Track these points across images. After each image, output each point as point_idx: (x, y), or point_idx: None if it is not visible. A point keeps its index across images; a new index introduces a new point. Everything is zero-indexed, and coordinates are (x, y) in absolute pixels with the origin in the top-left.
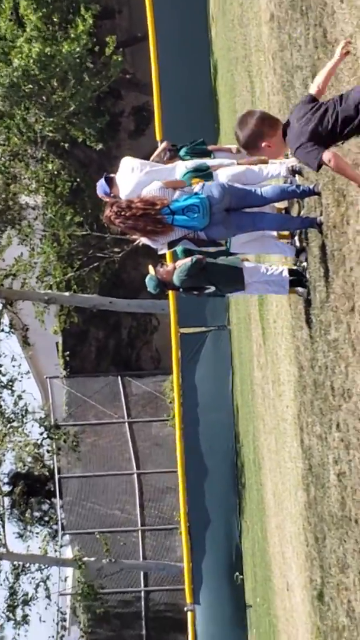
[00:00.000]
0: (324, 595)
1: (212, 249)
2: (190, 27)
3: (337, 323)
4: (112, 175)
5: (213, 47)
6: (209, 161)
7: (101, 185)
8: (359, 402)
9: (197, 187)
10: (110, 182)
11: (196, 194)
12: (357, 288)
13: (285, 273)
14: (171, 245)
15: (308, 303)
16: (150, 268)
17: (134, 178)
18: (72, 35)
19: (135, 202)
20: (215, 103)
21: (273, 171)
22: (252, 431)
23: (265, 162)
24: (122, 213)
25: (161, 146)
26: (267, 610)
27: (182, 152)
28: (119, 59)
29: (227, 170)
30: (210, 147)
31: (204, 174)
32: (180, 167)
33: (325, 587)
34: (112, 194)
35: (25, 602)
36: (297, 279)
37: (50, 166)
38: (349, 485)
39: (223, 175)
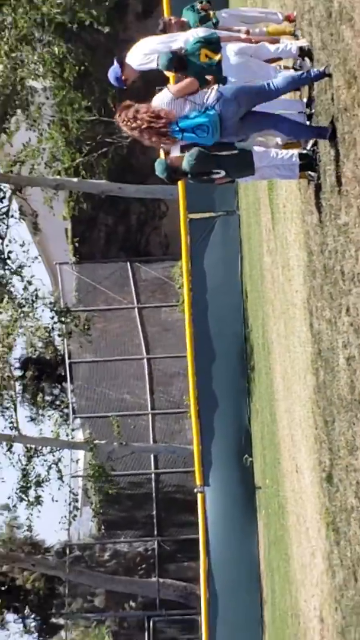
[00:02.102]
0: (333, 477)
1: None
2: None
3: (348, 207)
4: (124, 60)
5: None
6: (219, 32)
7: (113, 70)
8: None
9: (211, 98)
10: (122, 66)
11: (207, 109)
12: None
13: (296, 157)
14: (183, 149)
15: (318, 187)
16: (161, 152)
17: (148, 45)
18: None
19: (141, 113)
20: None
21: (284, 48)
22: (262, 316)
23: (276, 42)
24: (128, 123)
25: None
26: (276, 491)
27: (190, 20)
28: None
29: (237, 45)
30: (221, 35)
31: (213, 47)
32: (190, 35)
33: (334, 469)
34: (123, 77)
35: (38, 484)
36: (307, 163)
37: (57, 50)
38: (358, 369)
39: (232, 50)
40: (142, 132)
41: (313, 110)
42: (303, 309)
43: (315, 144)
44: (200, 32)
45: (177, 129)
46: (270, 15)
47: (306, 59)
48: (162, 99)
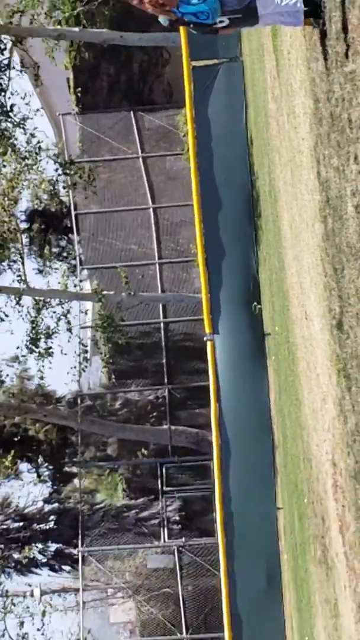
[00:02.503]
0: (343, 324)
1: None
2: None
3: (354, 55)
4: None
5: None
6: None
7: None
8: None
9: None
10: None
11: None
12: None
13: (300, 3)
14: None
15: (323, 34)
16: None
17: None
18: None
19: None
20: None
21: None
22: (268, 164)
23: None
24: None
25: None
26: (285, 338)
27: None
28: None
29: None
30: None
31: None
32: None
33: (344, 316)
34: None
35: (48, 336)
36: (312, 9)
37: None
38: None
39: None
40: (142, 6)
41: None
42: (310, 157)
43: None
44: None
45: (180, 14)
46: None
47: None
48: None
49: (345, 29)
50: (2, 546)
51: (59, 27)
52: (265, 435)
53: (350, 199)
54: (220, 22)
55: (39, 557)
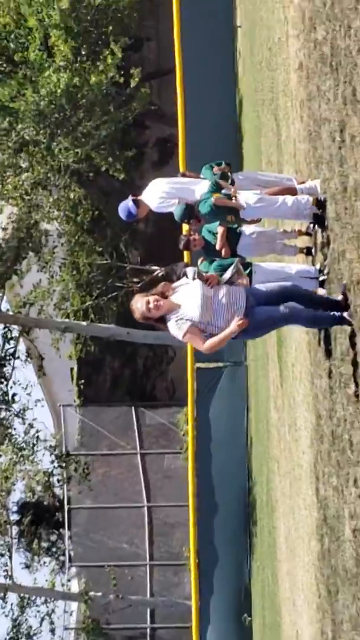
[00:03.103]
0: None
1: None
2: (217, 62)
3: (359, 378)
4: (139, 197)
5: (239, 84)
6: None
7: (126, 206)
8: None
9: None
10: (137, 203)
11: None
12: None
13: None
14: None
15: (328, 353)
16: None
17: (161, 188)
18: (101, 67)
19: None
20: (240, 139)
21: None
22: (266, 472)
23: (293, 192)
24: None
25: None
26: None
27: (208, 177)
28: (147, 92)
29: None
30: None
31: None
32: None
33: None
34: (138, 216)
35: (29, 637)
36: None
37: (72, 195)
38: None
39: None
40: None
41: (326, 277)
42: (309, 472)
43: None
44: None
45: None
46: (285, 180)
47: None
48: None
49: (350, 351)
50: None
51: (66, 319)
52: None
53: (348, 520)
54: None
55: None
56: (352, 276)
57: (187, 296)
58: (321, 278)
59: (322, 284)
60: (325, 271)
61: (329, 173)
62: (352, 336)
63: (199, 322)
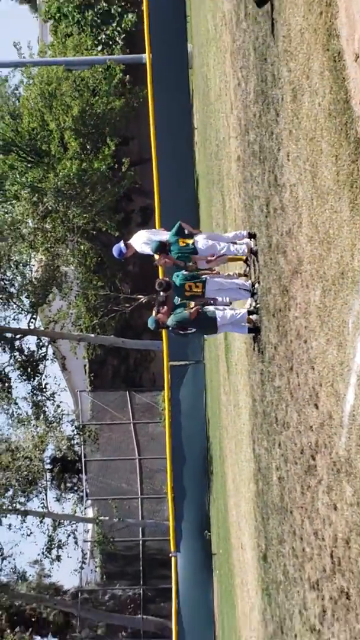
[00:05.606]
0: (267, 557)
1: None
2: (181, 152)
3: (280, 375)
4: (127, 242)
5: (197, 169)
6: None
7: (118, 247)
8: (294, 432)
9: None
10: (127, 245)
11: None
12: (295, 354)
13: (241, 315)
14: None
15: (260, 358)
16: (154, 311)
17: (143, 236)
18: (100, 157)
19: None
20: (197, 208)
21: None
22: (218, 436)
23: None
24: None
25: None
26: (226, 559)
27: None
28: (132, 174)
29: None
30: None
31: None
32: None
33: (268, 551)
34: (126, 255)
35: (60, 546)
36: (255, 330)
37: (82, 247)
38: (286, 487)
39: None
40: None
41: (258, 305)
42: (248, 437)
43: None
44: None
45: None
46: (238, 235)
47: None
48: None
49: (274, 357)
50: None
51: (80, 333)
52: (209, 628)
53: (274, 471)
54: (191, 330)
55: None
56: (275, 305)
57: None
58: (253, 306)
59: (256, 312)
60: (255, 305)
61: (258, 234)
62: (276, 346)
63: None
